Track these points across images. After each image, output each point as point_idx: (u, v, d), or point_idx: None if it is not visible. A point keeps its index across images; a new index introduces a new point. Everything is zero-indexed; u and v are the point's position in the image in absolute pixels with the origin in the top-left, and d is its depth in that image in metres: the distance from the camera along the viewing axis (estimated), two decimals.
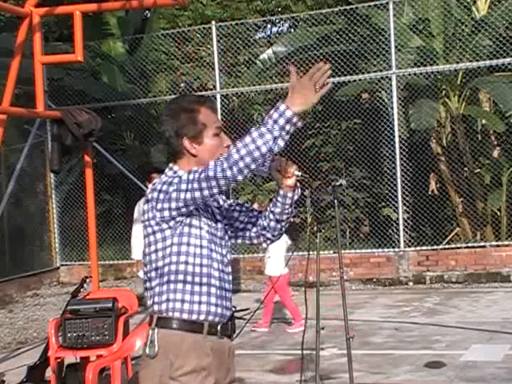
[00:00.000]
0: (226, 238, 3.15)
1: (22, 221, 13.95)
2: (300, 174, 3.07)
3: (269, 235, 3.20)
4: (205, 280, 2.96)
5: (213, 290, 2.98)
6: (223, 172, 2.77)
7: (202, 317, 2.96)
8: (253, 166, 2.77)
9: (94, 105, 13.26)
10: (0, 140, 7.43)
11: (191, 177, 2.85)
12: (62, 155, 7.63)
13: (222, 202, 3.20)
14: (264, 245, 3.26)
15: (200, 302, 2.95)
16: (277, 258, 8.42)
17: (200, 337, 2.96)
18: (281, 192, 3.10)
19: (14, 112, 7.74)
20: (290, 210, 3.14)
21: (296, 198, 3.14)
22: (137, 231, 8.58)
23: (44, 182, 14.30)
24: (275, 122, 2.76)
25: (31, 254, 14.25)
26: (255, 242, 3.25)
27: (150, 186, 3.05)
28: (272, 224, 3.17)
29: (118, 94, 14.54)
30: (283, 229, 3.21)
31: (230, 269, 3.11)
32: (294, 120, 2.79)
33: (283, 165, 3.04)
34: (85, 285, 6.50)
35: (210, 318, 2.97)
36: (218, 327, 3.00)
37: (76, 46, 7.40)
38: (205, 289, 2.96)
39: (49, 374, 6.16)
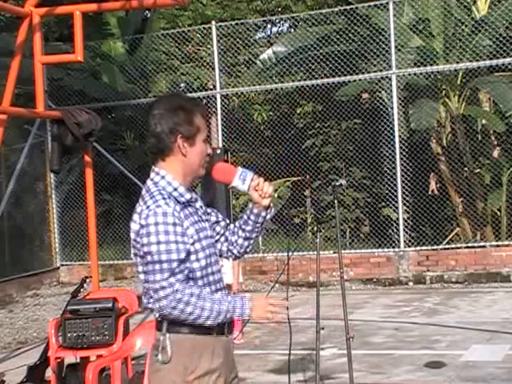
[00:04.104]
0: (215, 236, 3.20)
1: (22, 221, 13.94)
2: (275, 195, 3.14)
3: (235, 251, 3.21)
4: (206, 289, 3.00)
5: (214, 295, 3.01)
6: (169, 303, 2.89)
7: None
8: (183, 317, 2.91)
9: (94, 105, 13.26)
10: (0, 140, 7.44)
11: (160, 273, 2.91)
12: (62, 155, 7.62)
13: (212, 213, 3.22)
14: (230, 259, 3.28)
15: None
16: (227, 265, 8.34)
17: (211, 338, 2.99)
18: (255, 210, 3.12)
19: (13, 112, 7.74)
20: (260, 228, 3.17)
21: (269, 217, 3.17)
22: None
23: (44, 182, 14.30)
24: (229, 311, 2.93)
25: (31, 254, 14.25)
26: (224, 255, 3.25)
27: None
28: (240, 241, 3.18)
29: (117, 94, 14.55)
30: (250, 247, 3.23)
31: (218, 267, 3.13)
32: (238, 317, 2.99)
33: (261, 185, 3.08)
34: (85, 285, 6.50)
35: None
36: (225, 326, 3.03)
37: (76, 46, 7.40)
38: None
39: (49, 374, 6.16)
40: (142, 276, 3.00)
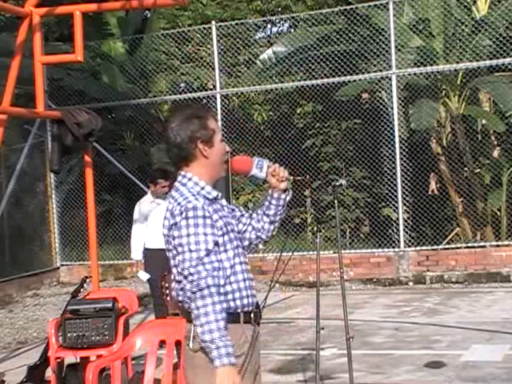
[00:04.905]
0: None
1: (22, 221, 13.94)
2: (292, 178, 3.44)
3: (263, 236, 3.44)
4: (233, 279, 3.21)
5: (241, 284, 3.22)
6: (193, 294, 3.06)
7: (239, 310, 3.21)
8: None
9: (94, 105, 13.26)
10: (0, 140, 7.44)
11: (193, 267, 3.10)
12: (62, 155, 7.62)
13: (239, 213, 3.44)
14: (260, 246, 3.44)
15: (234, 299, 3.20)
16: None
17: (238, 326, 3.19)
18: (275, 195, 3.38)
19: (13, 112, 7.74)
20: (282, 211, 3.42)
21: (288, 199, 3.41)
22: (136, 231, 8.57)
23: (44, 182, 14.30)
24: (213, 344, 3.03)
25: (31, 253, 14.25)
26: (254, 243, 3.49)
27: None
28: (266, 226, 3.42)
29: (118, 94, 14.54)
30: (275, 230, 3.49)
31: (245, 258, 3.35)
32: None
33: (278, 170, 3.33)
34: (85, 285, 6.50)
35: (245, 308, 3.23)
36: (252, 315, 3.25)
37: (76, 46, 7.40)
38: (235, 286, 3.21)
39: (49, 374, 6.16)
40: (174, 270, 3.20)
